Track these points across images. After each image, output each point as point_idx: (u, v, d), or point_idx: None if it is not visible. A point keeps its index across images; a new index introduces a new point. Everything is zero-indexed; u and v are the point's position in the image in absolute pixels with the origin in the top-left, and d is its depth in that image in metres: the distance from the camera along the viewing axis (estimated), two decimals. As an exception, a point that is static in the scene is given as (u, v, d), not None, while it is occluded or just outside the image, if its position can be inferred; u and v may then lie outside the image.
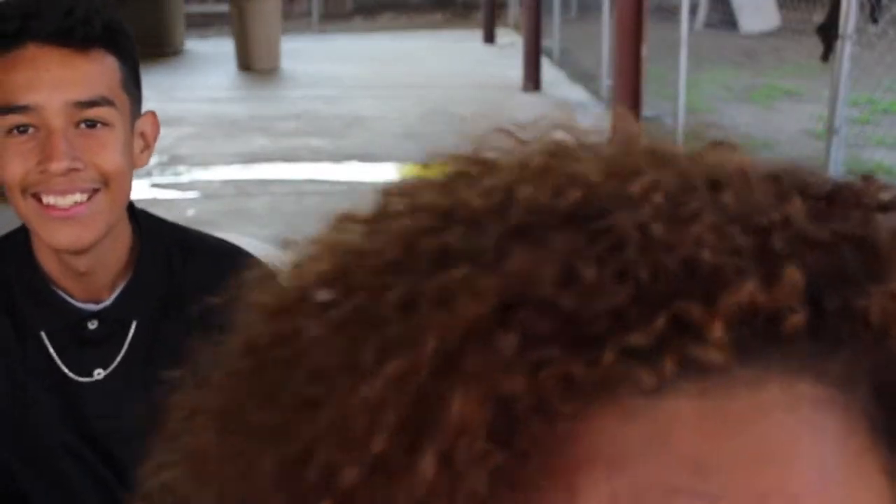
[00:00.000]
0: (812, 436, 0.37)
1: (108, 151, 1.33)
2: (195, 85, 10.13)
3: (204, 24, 14.24)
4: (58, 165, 1.28)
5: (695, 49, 7.43)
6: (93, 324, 1.39)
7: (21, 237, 1.44)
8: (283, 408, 0.41)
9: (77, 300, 1.39)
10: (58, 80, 1.31)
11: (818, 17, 9.48)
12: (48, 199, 1.31)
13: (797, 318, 0.37)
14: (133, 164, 1.39)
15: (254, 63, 11.24)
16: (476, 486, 0.37)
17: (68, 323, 1.39)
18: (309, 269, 0.44)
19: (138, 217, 1.45)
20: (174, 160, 6.92)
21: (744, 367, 0.37)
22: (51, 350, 1.39)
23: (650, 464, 0.36)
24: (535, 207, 0.40)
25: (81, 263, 1.37)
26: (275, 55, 11.42)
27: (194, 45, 12.98)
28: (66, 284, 1.40)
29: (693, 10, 8.73)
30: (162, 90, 8.70)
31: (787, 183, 0.42)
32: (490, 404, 0.37)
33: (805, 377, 0.38)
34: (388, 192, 0.45)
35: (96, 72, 1.33)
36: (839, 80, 4.56)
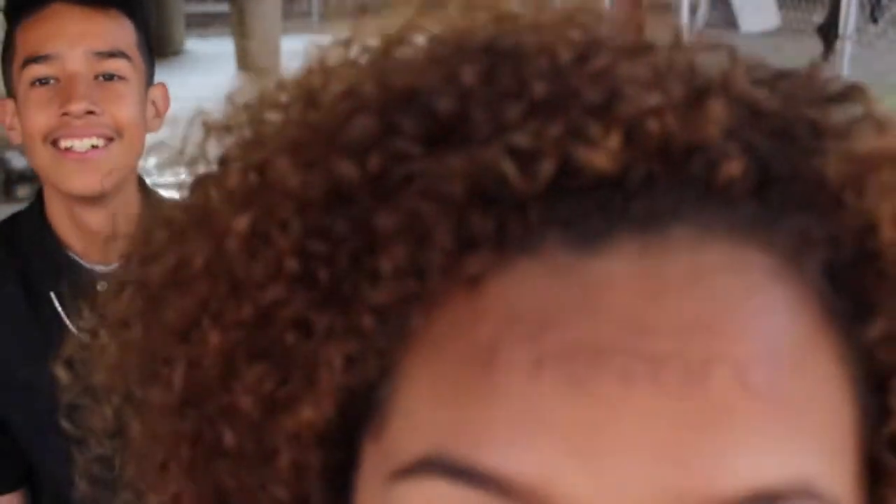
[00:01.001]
0: (760, 303, 0.34)
1: (124, 102, 1.43)
2: (195, 85, 10.11)
3: (204, 24, 14.22)
4: (77, 106, 1.37)
5: (695, 49, 7.40)
6: (102, 285, 1.39)
7: (35, 206, 1.51)
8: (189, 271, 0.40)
9: (87, 262, 1.44)
10: (79, 32, 1.42)
11: (818, 17, 9.47)
12: (66, 143, 1.39)
13: (732, 168, 0.34)
14: (146, 125, 1.48)
15: (254, 63, 11.22)
16: (283, 257, 0.35)
17: (78, 284, 1.40)
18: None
19: (148, 192, 1.52)
20: (174, 160, 6.88)
21: (683, 225, 0.34)
22: (60, 311, 1.43)
23: (581, 325, 0.33)
24: (452, 40, 0.38)
25: (94, 219, 1.43)
26: (275, 55, 11.40)
27: (194, 45, 12.96)
28: (77, 247, 1.46)
29: (693, 10, 8.72)
30: (162, 90, 8.71)
31: (732, 55, 0.39)
32: (320, 181, 0.35)
33: (753, 244, 0.34)
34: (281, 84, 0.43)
35: (114, 27, 1.44)
36: (839, 80, 4.56)
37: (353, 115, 0.35)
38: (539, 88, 0.34)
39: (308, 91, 0.39)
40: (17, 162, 5.42)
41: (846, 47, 4.57)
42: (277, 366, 0.36)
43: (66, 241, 1.46)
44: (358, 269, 0.35)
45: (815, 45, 9.49)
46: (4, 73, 1.49)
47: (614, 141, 0.33)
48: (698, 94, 0.34)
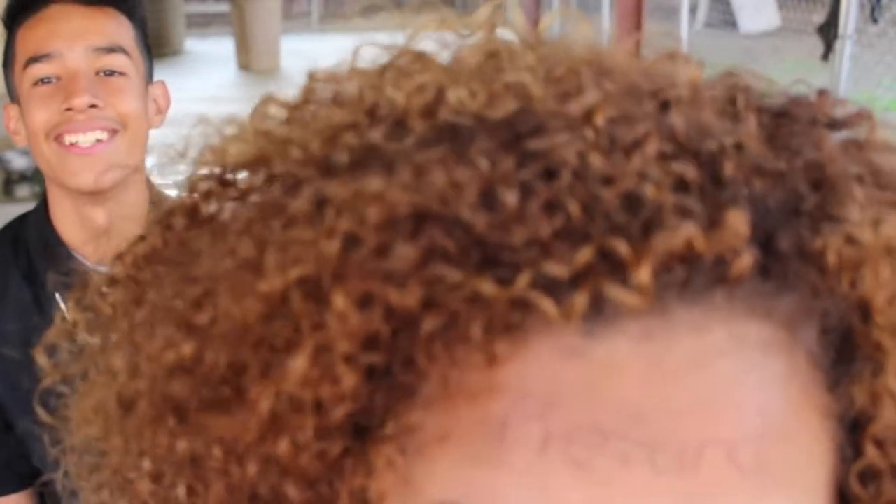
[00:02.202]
0: (754, 382, 0.36)
1: (125, 95, 1.44)
2: (195, 85, 10.12)
3: (204, 24, 14.23)
4: (80, 100, 1.38)
5: (695, 49, 7.42)
6: None
7: (41, 207, 1.51)
8: (189, 289, 0.42)
9: (92, 262, 1.43)
10: (78, 29, 1.43)
11: (818, 16, 9.47)
12: (71, 139, 1.40)
13: (743, 263, 0.35)
14: (149, 124, 1.49)
15: (254, 63, 11.22)
16: (346, 381, 0.36)
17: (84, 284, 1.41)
18: (231, 150, 0.44)
19: (156, 193, 1.52)
20: (174, 160, 6.89)
21: (687, 308, 0.35)
22: (66, 312, 1.40)
23: (584, 406, 0.35)
24: (465, 113, 0.38)
25: (99, 215, 1.43)
26: (275, 55, 11.40)
27: (194, 45, 12.96)
28: (82, 247, 1.46)
29: (693, 10, 8.73)
30: (162, 90, 8.71)
31: (741, 99, 0.40)
32: (376, 312, 0.36)
33: (752, 318, 0.36)
34: (316, 77, 0.44)
35: (113, 24, 1.46)
36: (839, 80, 4.56)
37: (391, 235, 0.36)
38: (574, 207, 0.35)
39: (341, 200, 0.38)
40: (17, 162, 5.42)
41: (846, 47, 4.57)
42: (337, 447, 0.39)
43: (70, 242, 1.47)
44: (402, 367, 0.37)
45: (815, 45, 9.49)
46: (6, 78, 1.49)
47: (645, 274, 0.34)
48: (718, 191, 0.36)
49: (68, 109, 1.39)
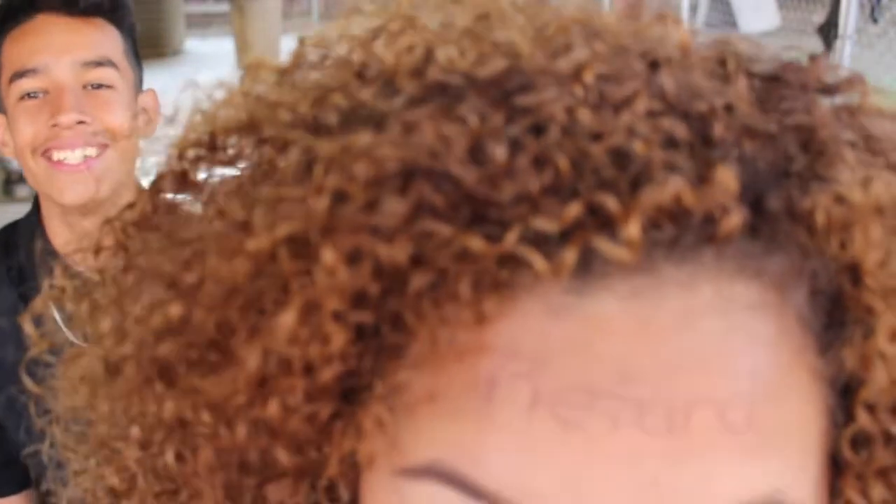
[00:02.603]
0: (744, 342, 0.36)
1: (113, 109, 1.41)
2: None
3: (204, 24, 14.22)
4: (67, 117, 1.36)
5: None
6: None
7: (32, 216, 1.50)
8: (178, 251, 0.41)
9: (84, 269, 1.40)
10: (65, 43, 1.40)
11: (818, 17, 9.47)
12: (59, 155, 1.38)
13: (732, 221, 0.35)
14: (139, 134, 1.48)
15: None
16: (335, 339, 0.36)
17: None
18: (221, 115, 0.44)
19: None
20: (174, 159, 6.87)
21: (676, 267, 0.35)
22: (59, 321, 1.39)
23: (573, 365, 0.34)
24: (454, 72, 0.38)
25: (90, 227, 1.39)
26: (275, 55, 11.38)
27: (194, 44, 12.95)
28: (75, 255, 1.40)
29: (693, 10, 8.72)
30: (162, 90, 8.70)
31: (732, 62, 0.40)
32: (365, 267, 0.35)
33: (740, 278, 0.36)
34: (305, 41, 0.44)
35: (100, 36, 1.42)
36: (839, 80, 4.56)
37: (380, 190, 0.36)
38: (563, 162, 0.35)
39: (329, 157, 0.38)
40: (18, 162, 5.41)
41: (846, 47, 4.57)
42: (327, 408, 0.39)
43: (62, 250, 1.45)
44: (392, 325, 0.37)
45: (815, 45, 9.49)
46: None
47: (634, 229, 0.34)
48: (708, 150, 0.36)
49: (55, 125, 1.37)
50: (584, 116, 0.36)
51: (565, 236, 0.35)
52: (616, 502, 0.34)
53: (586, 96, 0.36)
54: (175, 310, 0.40)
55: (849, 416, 0.39)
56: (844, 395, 0.39)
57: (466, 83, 0.38)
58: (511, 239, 0.34)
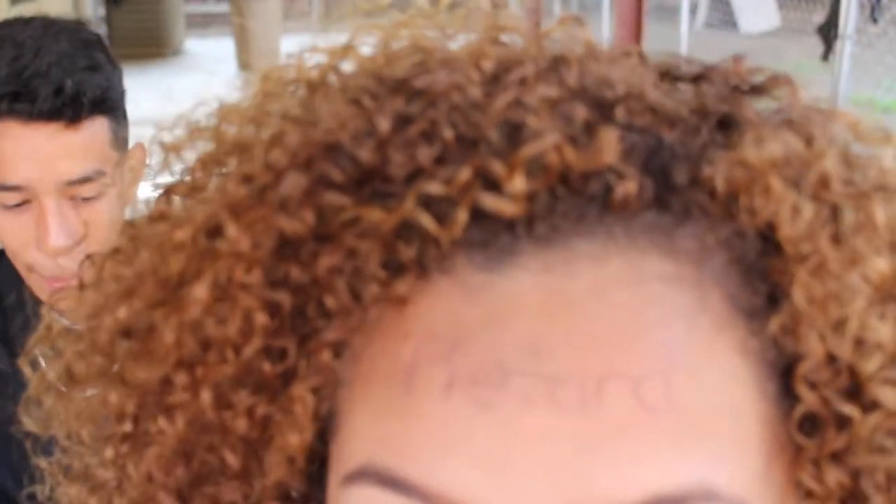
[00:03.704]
0: (658, 315, 0.35)
1: (103, 222, 1.29)
2: (195, 85, 10.13)
3: (204, 24, 14.23)
4: (55, 245, 1.25)
5: (695, 49, 7.43)
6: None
7: (4, 264, 1.40)
8: (135, 264, 0.44)
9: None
10: (48, 157, 1.24)
11: (818, 16, 9.48)
12: (48, 274, 1.29)
13: (627, 186, 0.35)
14: (125, 204, 1.36)
15: (254, 63, 11.23)
16: (252, 314, 0.38)
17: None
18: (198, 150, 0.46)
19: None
20: (175, 160, 6.88)
21: (586, 240, 0.35)
22: (43, 363, 1.37)
23: (486, 344, 0.34)
24: (367, 76, 0.40)
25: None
26: (275, 55, 11.40)
27: (194, 45, 12.97)
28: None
29: (693, 10, 8.74)
30: (162, 90, 8.71)
31: (650, 62, 0.40)
32: (268, 239, 0.37)
33: (652, 252, 0.36)
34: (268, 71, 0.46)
35: (86, 144, 1.26)
36: (839, 80, 4.56)
37: (285, 170, 0.38)
38: (448, 132, 0.36)
39: (240, 142, 0.42)
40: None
41: (846, 47, 4.58)
42: (262, 402, 0.39)
43: (45, 300, 1.36)
44: (313, 309, 0.38)
45: (815, 45, 9.50)
46: None
47: (518, 183, 0.34)
48: (597, 120, 0.36)
49: (43, 249, 1.26)
50: (475, 92, 0.37)
51: (456, 199, 0.35)
52: (533, 484, 0.34)
53: (481, 78, 0.38)
54: (122, 311, 0.42)
55: (793, 399, 0.37)
56: (787, 378, 0.37)
57: (377, 82, 0.40)
58: (407, 206, 0.35)
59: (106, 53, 1.32)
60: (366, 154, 0.36)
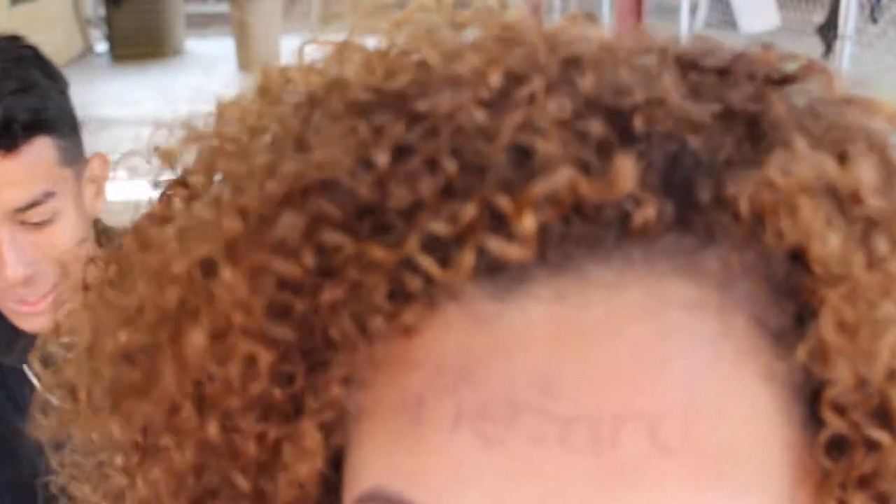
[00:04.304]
0: (678, 346, 0.33)
1: (62, 242, 1.25)
2: (195, 85, 10.12)
3: (204, 24, 14.21)
4: (13, 275, 1.22)
5: (695, 49, 7.41)
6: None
7: None
8: (130, 285, 0.43)
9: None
10: None
11: (818, 17, 9.47)
12: (17, 298, 1.26)
13: (646, 213, 0.33)
14: (88, 217, 1.32)
15: (254, 63, 11.20)
16: (254, 355, 0.36)
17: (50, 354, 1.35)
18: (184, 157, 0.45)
19: (102, 238, 1.36)
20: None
21: (601, 266, 0.33)
22: (35, 382, 1.36)
23: (496, 377, 0.33)
24: (365, 89, 0.38)
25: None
26: (275, 55, 11.38)
27: (194, 45, 12.95)
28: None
29: (693, 10, 8.73)
30: (162, 90, 8.70)
31: (671, 56, 0.37)
32: (267, 283, 0.35)
33: (673, 276, 0.33)
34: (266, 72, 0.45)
35: (29, 169, 1.22)
36: (839, 80, 4.56)
37: (280, 206, 0.36)
38: (450, 164, 0.34)
39: (234, 175, 0.40)
40: (17, 162, 5.41)
41: (846, 47, 4.57)
42: (272, 429, 0.39)
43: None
44: (318, 341, 0.36)
45: (815, 45, 9.49)
46: None
47: (528, 223, 0.33)
48: (613, 137, 0.34)
49: (2, 280, 1.23)
50: (479, 116, 0.34)
51: (461, 238, 0.33)
52: None
53: (486, 97, 0.35)
54: (123, 336, 0.41)
55: (820, 421, 0.35)
56: (814, 401, 0.35)
57: (377, 98, 0.37)
58: (409, 245, 0.34)
59: (42, 68, 1.26)
60: (364, 190, 0.35)
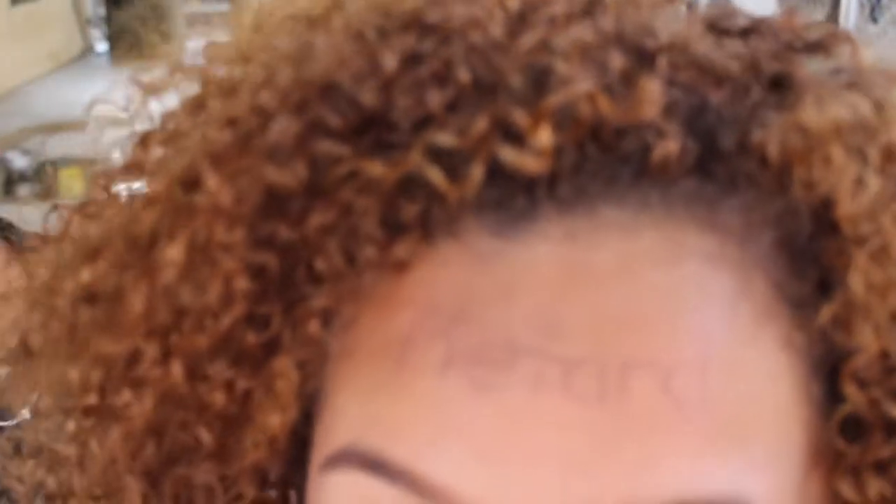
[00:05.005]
0: (695, 298, 0.31)
1: None
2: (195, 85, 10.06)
3: (204, 24, 14.19)
4: None
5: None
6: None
7: None
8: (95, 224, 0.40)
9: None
10: None
11: (818, 17, 9.46)
12: None
13: (669, 147, 0.31)
14: None
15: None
16: (233, 278, 0.33)
17: None
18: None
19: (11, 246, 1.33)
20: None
21: (616, 207, 0.31)
22: None
23: (494, 320, 0.30)
24: (376, 10, 0.35)
25: None
26: (275, 55, 11.36)
27: (194, 45, 12.93)
28: None
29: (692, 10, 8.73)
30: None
31: (697, 13, 0.35)
32: (253, 194, 0.32)
33: (691, 225, 0.31)
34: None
35: None
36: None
37: (274, 114, 0.33)
38: (464, 74, 0.31)
39: (226, 83, 0.37)
40: (18, 162, 5.42)
41: (846, 47, 4.57)
42: (242, 375, 0.35)
43: None
44: (301, 273, 0.33)
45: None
46: None
47: (544, 136, 0.30)
48: (637, 68, 0.32)
49: None
50: (496, 30, 0.32)
51: (471, 153, 0.31)
52: (537, 479, 0.30)
53: (505, 14, 0.33)
54: (86, 274, 0.38)
55: (836, 400, 0.33)
56: (832, 377, 0.33)
57: (384, 17, 0.35)
58: (413, 159, 0.31)
59: None
60: (368, 97, 0.32)
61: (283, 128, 0.32)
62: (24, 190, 5.49)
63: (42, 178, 5.35)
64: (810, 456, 0.33)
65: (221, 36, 0.43)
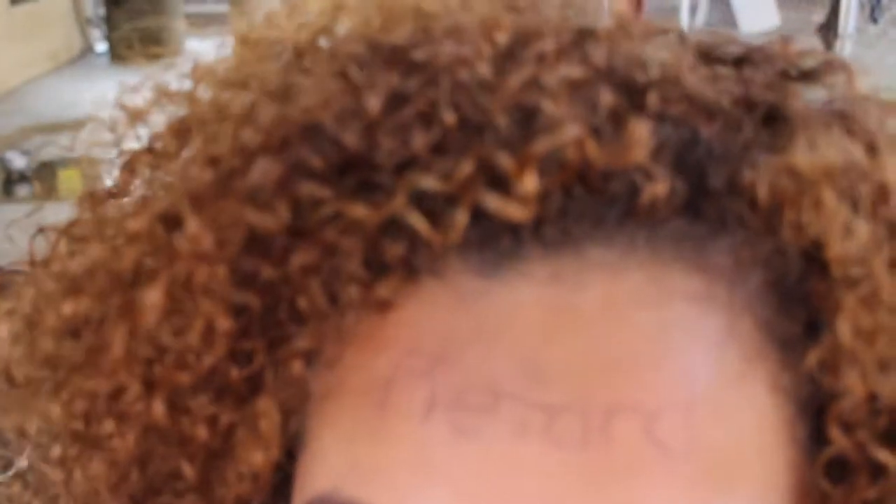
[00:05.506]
0: (681, 340, 0.30)
1: None
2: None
3: (204, 24, 14.20)
4: None
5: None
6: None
7: None
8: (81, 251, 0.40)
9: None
10: None
11: (818, 17, 9.47)
12: None
13: (657, 189, 0.30)
14: None
15: (254, 63, 11.18)
16: (215, 318, 0.33)
17: None
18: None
19: None
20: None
21: (602, 247, 0.30)
22: None
23: (476, 361, 0.30)
24: (358, 41, 0.35)
25: None
26: (275, 55, 11.36)
27: (194, 45, 12.94)
28: None
29: (693, 10, 8.73)
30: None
31: (690, 42, 0.35)
32: (235, 238, 0.32)
33: (679, 265, 0.31)
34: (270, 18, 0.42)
35: None
36: (839, 80, 4.57)
37: (256, 153, 0.33)
38: (449, 116, 0.31)
39: (209, 113, 0.37)
40: (18, 162, 5.41)
41: (846, 47, 4.57)
42: (225, 410, 0.35)
43: None
44: (284, 312, 0.33)
45: (815, 45, 9.48)
46: None
47: (529, 183, 0.30)
48: (626, 107, 0.31)
49: None
50: (484, 69, 0.32)
51: (455, 197, 0.30)
52: None
53: (492, 52, 0.32)
54: (68, 307, 0.37)
55: (823, 440, 0.32)
56: (818, 419, 0.33)
57: (372, 51, 0.34)
58: (396, 203, 0.30)
59: None
60: (351, 138, 0.31)
61: (264, 170, 0.32)
62: (23, 190, 5.49)
63: (41, 178, 5.35)
64: (795, 498, 0.32)
65: (221, 36, 0.42)
